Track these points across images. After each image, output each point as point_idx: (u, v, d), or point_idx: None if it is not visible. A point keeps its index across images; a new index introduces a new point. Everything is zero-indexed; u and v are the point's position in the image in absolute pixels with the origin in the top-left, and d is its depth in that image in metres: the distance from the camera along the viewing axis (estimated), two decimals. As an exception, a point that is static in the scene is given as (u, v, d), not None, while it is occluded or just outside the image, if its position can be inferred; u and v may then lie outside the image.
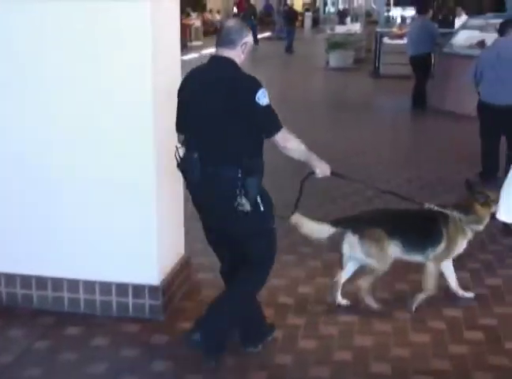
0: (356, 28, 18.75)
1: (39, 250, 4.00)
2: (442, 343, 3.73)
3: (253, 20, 25.74)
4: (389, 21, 19.15)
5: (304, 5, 41.51)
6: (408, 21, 17.36)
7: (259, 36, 25.41)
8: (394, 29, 15.88)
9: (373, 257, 3.97)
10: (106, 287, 3.95)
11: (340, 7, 19.37)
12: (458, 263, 4.29)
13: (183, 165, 3.35)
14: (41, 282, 4.02)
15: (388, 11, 20.39)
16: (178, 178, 4.13)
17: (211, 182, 3.26)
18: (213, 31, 31.16)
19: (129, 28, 3.63)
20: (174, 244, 4.25)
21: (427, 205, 4.07)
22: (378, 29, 16.40)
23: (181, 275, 4.24)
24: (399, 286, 4.44)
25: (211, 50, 18.37)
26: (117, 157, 3.79)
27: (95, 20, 3.65)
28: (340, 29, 18.03)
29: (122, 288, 3.93)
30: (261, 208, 3.28)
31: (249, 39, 3.35)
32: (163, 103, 3.80)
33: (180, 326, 3.86)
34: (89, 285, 3.97)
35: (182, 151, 3.38)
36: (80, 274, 3.97)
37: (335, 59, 17.14)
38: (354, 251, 3.99)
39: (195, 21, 25.16)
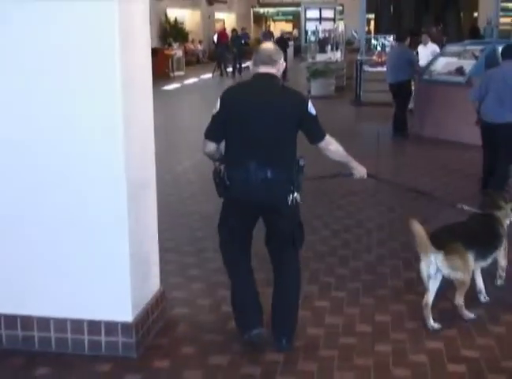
0: (337, 56, 18.86)
1: (8, 288, 3.88)
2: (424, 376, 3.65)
3: (242, 46, 25.82)
4: (370, 49, 19.30)
5: (285, 34, 41.97)
6: (388, 49, 17.50)
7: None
8: (374, 57, 16.01)
9: (460, 270, 4.13)
10: (77, 324, 3.82)
11: (321, 36, 19.39)
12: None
13: (237, 174, 3.65)
14: (10, 320, 3.89)
15: (374, 39, 20.57)
16: (152, 211, 4.06)
17: (270, 184, 3.62)
18: (196, 61, 31.43)
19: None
20: (148, 279, 4.14)
21: (464, 207, 4.59)
22: (359, 57, 16.52)
23: (156, 311, 4.12)
24: (379, 317, 4.35)
25: (193, 80, 18.64)
26: (87, 192, 3.69)
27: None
28: (321, 57, 18.13)
29: (94, 325, 3.80)
30: (299, 201, 3.75)
31: (282, 59, 3.84)
32: (135, 135, 3.73)
33: (154, 364, 3.74)
34: (60, 323, 3.83)
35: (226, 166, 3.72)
36: (50, 311, 3.84)
37: (316, 87, 17.20)
38: (441, 268, 4.09)
39: (177, 51, 25.23)
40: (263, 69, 3.73)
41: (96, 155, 3.65)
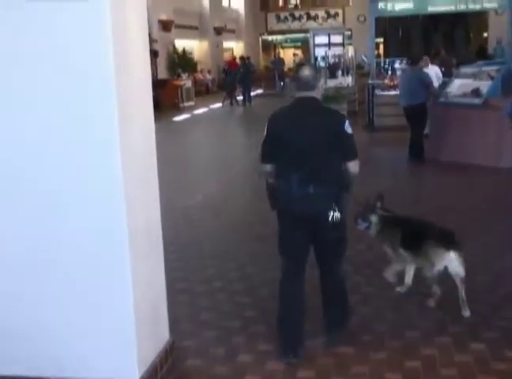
0: (348, 81, 18.63)
1: (13, 350, 3.57)
2: None
3: (250, 74, 25.71)
4: (381, 73, 19.06)
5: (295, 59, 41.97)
6: (398, 73, 17.25)
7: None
8: (386, 80, 15.74)
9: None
10: (79, 384, 3.49)
11: (331, 61, 19.19)
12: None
13: (279, 188, 3.98)
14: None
15: (385, 63, 20.32)
16: (158, 256, 3.75)
17: (313, 198, 3.89)
18: (205, 91, 31.36)
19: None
20: (156, 330, 3.82)
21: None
22: (370, 81, 16.26)
23: (165, 365, 3.80)
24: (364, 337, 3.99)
25: (203, 110, 18.41)
26: (85, 243, 3.39)
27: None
28: (331, 83, 17.89)
29: (97, 385, 3.48)
30: (344, 215, 4.00)
31: (321, 81, 4.26)
32: (136, 175, 3.44)
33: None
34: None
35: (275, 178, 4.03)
36: (51, 373, 3.52)
37: (328, 113, 16.93)
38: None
39: (186, 82, 25.13)
40: (304, 94, 4.04)
41: (94, 203, 3.35)
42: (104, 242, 3.36)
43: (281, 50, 43.82)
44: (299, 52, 43.55)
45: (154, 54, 25.10)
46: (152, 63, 24.53)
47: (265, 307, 4.88)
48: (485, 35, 34.59)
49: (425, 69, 11.58)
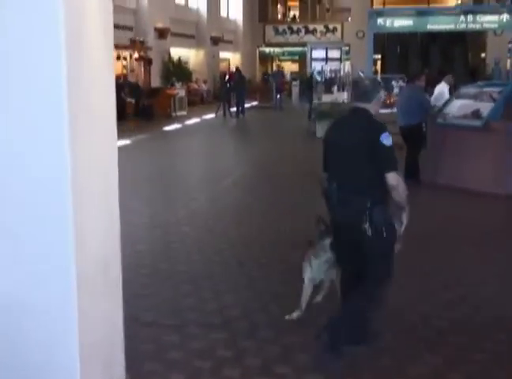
0: (344, 96, 18.24)
1: None
2: None
3: (245, 86, 25.33)
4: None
5: (292, 73, 41.63)
6: (396, 90, 16.84)
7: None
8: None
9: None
10: None
11: (327, 76, 18.80)
12: None
13: (327, 193, 4.18)
14: None
15: (381, 79, 19.89)
16: (115, 295, 3.27)
17: (346, 207, 4.04)
18: (199, 101, 30.92)
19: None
20: (109, 370, 3.31)
21: None
22: (366, 98, 15.85)
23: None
24: None
25: (195, 121, 17.97)
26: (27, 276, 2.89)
27: None
28: (327, 98, 17.49)
29: None
30: (384, 235, 3.98)
31: (381, 93, 4.22)
32: (92, 201, 2.94)
33: None
34: None
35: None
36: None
37: (323, 129, 16.45)
38: None
39: (179, 91, 24.69)
40: (358, 104, 4.14)
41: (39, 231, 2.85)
42: (49, 285, 2.85)
43: (279, 63, 43.53)
44: (295, 66, 43.35)
45: (148, 61, 24.71)
46: (145, 71, 24.21)
47: (243, 346, 4.40)
48: (483, 55, 34.36)
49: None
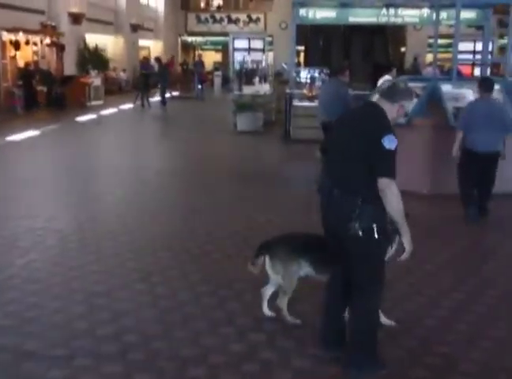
0: (265, 88, 17.70)
1: None
2: None
3: (167, 76, 24.43)
4: (299, 82, 18.19)
5: (215, 63, 40.92)
6: (318, 83, 16.47)
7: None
8: (304, 90, 14.88)
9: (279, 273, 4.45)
10: None
11: (248, 67, 18.21)
12: None
13: (321, 188, 3.94)
14: None
15: (304, 71, 19.40)
16: None
17: (335, 204, 3.79)
18: (118, 90, 29.76)
19: None
20: None
21: None
22: (288, 90, 15.39)
23: None
24: None
25: (112, 111, 17.01)
26: None
27: None
28: (247, 90, 16.90)
29: None
30: (375, 236, 3.70)
31: (407, 103, 3.84)
32: None
33: None
34: None
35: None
36: None
37: (243, 122, 15.95)
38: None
39: (95, 79, 23.54)
40: (377, 99, 3.87)
41: None
42: None
43: (201, 53, 42.73)
44: (219, 56, 42.66)
45: (61, 47, 23.44)
46: (58, 58, 23.03)
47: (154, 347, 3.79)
48: (403, 49, 34.66)
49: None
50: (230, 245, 6.45)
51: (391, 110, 3.77)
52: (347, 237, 3.75)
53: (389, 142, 3.58)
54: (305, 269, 4.43)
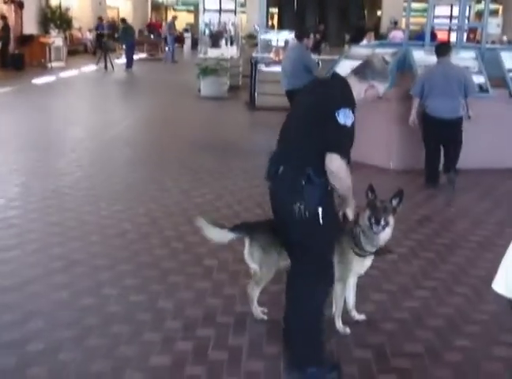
0: (232, 52, 16.86)
1: None
2: None
3: (132, 37, 23.33)
4: (271, 45, 17.34)
5: (187, 24, 39.70)
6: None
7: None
8: (271, 54, 14.09)
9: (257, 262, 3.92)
10: None
11: (215, 29, 17.31)
12: None
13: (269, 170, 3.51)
14: None
15: (275, 34, 18.50)
16: None
17: (279, 182, 3.41)
18: (83, 51, 28.62)
19: None
20: None
21: None
22: (254, 54, 14.61)
23: None
24: None
25: (73, 73, 15.97)
26: None
27: None
28: (212, 53, 16.04)
29: None
30: (321, 221, 3.32)
31: (379, 84, 3.45)
32: None
33: None
34: None
35: None
36: None
37: (207, 87, 15.14)
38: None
39: (56, 39, 22.38)
40: (348, 76, 3.52)
41: None
42: None
43: (173, 14, 41.41)
44: (191, 16, 41.36)
45: (19, 5, 22.23)
46: (16, 16, 21.82)
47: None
48: (379, 13, 33.80)
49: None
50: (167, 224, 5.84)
51: (359, 88, 3.43)
52: (291, 221, 3.37)
53: (344, 116, 3.22)
54: (286, 261, 3.81)
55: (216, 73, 14.87)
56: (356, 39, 16.09)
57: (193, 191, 7.07)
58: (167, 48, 27.13)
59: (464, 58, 8.81)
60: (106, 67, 21.82)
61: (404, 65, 8.80)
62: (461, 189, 7.51)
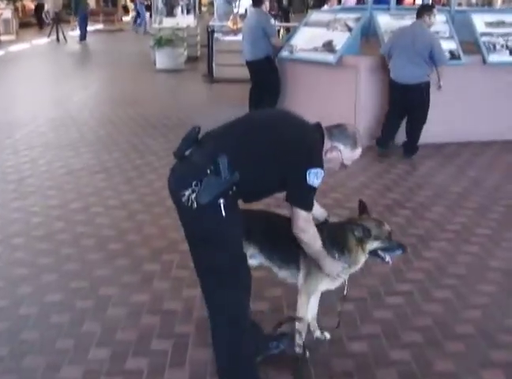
0: (189, 20, 15.95)
1: None
2: None
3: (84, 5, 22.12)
4: (228, 14, 16.38)
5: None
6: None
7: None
8: (229, 23, 13.25)
9: None
10: None
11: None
12: None
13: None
14: None
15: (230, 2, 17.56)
16: None
17: (185, 167, 2.83)
18: (37, 23, 27.30)
19: None
20: None
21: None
22: (210, 23, 13.76)
23: None
24: None
25: (23, 47, 14.71)
26: None
27: None
28: (168, 22, 15.10)
29: None
30: (223, 213, 2.72)
31: (344, 151, 2.98)
32: None
33: None
34: None
35: None
36: None
37: (162, 59, 14.27)
38: None
39: (4, 11, 21.19)
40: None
41: None
42: None
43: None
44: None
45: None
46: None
47: None
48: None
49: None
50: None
51: (325, 147, 2.96)
52: (181, 209, 2.80)
53: (315, 177, 2.81)
54: (257, 258, 3.31)
55: (171, 43, 13.99)
56: (319, 5, 15.32)
57: (140, 179, 6.35)
58: (138, 19, 25.87)
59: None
60: (58, 39, 20.71)
61: (368, 31, 8.12)
62: (435, 167, 6.97)
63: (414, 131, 7.15)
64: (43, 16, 28.12)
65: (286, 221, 3.03)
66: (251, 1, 9.55)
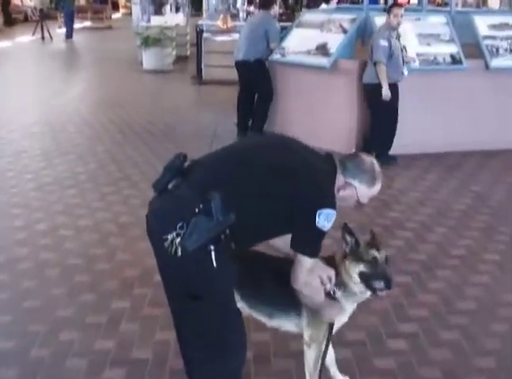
0: (178, 19, 15.42)
1: None
2: None
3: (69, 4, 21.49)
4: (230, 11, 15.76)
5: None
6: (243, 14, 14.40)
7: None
8: (218, 22, 12.72)
9: None
10: None
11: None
12: None
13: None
14: None
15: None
16: None
17: (166, 203, 2.37)
18: (23, 20, 26.74)
19: None
20: None
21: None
22: (200, 22, 13.25)
23: None
24: None
25: (6, 45, 14.03)
26: None
27: None
28: (156, 21, 14.56)
29: None
30: (214, 264, 2.26)
31: (360, 188, 2.53)
32: None
33: None
34: None
35: None
36: None
37: (150, 59, 13.75)
38: None
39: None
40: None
41: None
42: None
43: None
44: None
45: None
46: None
47: None
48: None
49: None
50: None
51: (337, 182, 2.55)
52: (160, 252, 2.35)
53: (326, 220, 2.38)
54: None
55: (159, 43, 13.47)
56: (315, 4, 14.74)
57: (115, 195, 5.82)
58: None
59: (433, 23, 7.68)
60: (43, 37, 20.13)
61: (365, 33, 7.63)
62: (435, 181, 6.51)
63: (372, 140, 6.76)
64: (29, 12, 27.51)
65: (277, 260, 2.70)
66: (259, 4, 9.05)
